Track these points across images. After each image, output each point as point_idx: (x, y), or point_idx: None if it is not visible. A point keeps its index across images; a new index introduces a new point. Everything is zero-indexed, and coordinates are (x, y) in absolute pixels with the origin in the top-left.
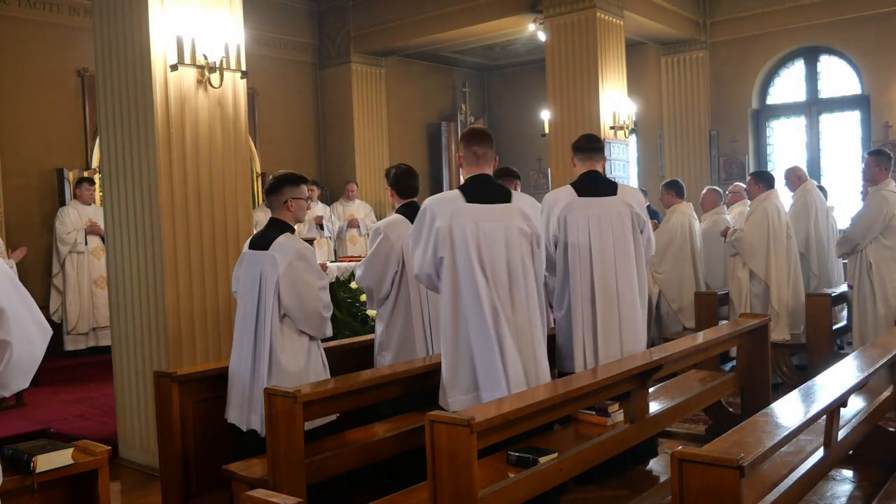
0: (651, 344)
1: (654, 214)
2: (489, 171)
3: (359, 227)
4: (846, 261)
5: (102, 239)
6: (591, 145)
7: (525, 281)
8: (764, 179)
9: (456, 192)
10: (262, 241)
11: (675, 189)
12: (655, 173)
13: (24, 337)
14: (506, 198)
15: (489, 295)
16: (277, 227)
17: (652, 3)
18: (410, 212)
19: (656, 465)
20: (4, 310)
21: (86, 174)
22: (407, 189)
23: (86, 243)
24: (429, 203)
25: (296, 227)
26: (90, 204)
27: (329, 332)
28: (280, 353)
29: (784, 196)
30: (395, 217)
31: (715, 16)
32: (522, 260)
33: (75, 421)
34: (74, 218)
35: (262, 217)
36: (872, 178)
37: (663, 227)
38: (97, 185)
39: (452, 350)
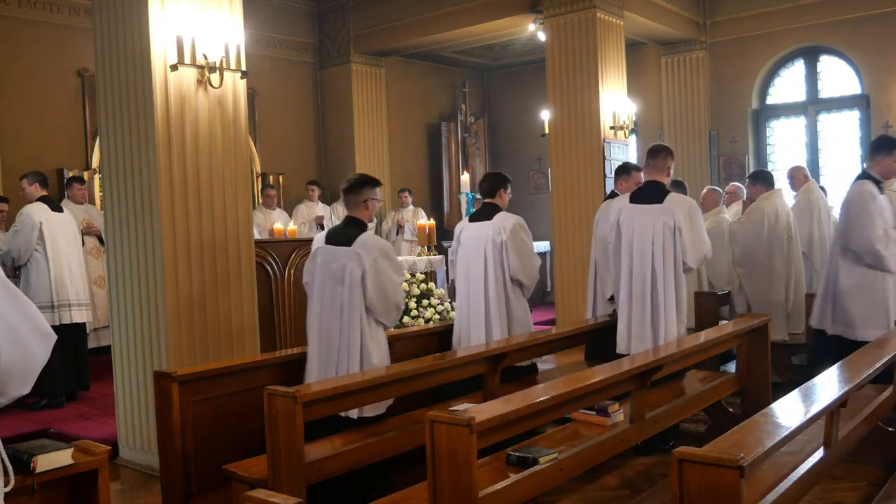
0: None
1: None
2: (657, 177)
3: None
4: None
5: (99, 238)
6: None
7: (663, 261)
8: (761, 179)
9: (628, 194)
10: (341, 238)
11: (679, 189)
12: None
13: (17, 343)
14: (659, 199)
15: (629, 271)
16: (356, 225)
17: (652, 3)
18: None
19: (656, 465)
20: None
21: (86, 174)
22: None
23: (83, 244)
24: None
25: (295, 227)
26: (82, 203)
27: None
28: (370, 344)
29: (787, 195)
30: None
31: (715, 16)
32: (664, 246)
33: (75, 421)
34: None
35: (260, 218)
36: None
37: None
38: (97, 184)
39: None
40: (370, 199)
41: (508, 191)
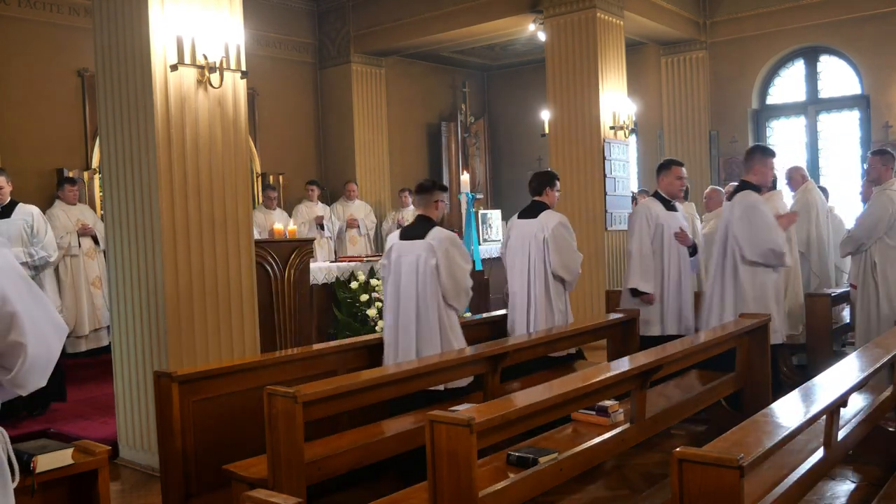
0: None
1: None
2: (746, 177)
3: (358, 227)
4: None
5: (94, 239)
6: None
7: (725, 254)
8: None
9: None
10: (415, 232)
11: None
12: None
13: (40, 338)
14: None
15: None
16: (427, 221)
17: (652, 3)
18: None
19: (656, 465)
20: (18, 312)
21: (86, 174)
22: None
23: (79, 245)
24: None
25: (295, 227)
26: (74, 204)
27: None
28: (448, 326)
29: (786, 196)
30: None
31: (715, 16)
32: (722, 240)
33: (75, 421)
34: (64, 220)
35: (260, 218)
36: (878, 177)
37: None
38: (97, 184)
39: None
40: (440, 201)
41: (556, 188)
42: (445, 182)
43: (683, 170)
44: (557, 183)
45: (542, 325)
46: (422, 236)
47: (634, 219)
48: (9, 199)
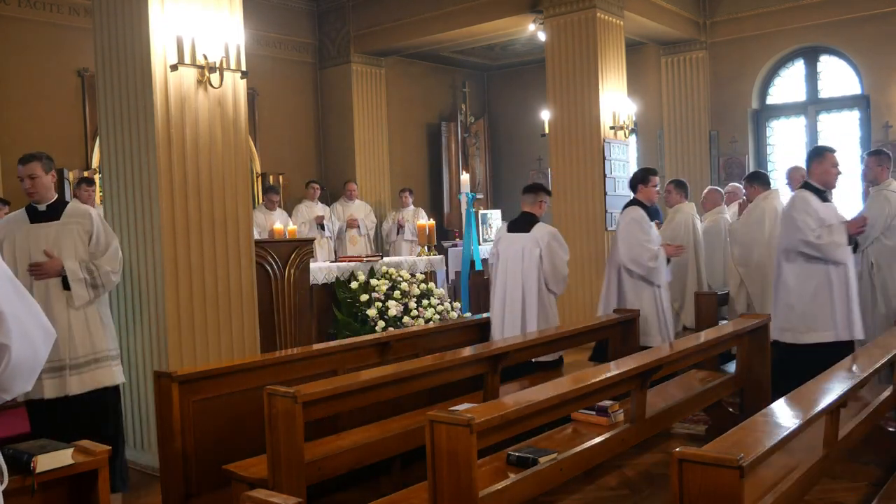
0: None
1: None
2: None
3: (358, 227)
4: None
5: None
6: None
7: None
8: (758, 180)
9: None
10: (521, 226)
11: (683, 189)
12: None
13: (26, 340)
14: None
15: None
16: (531, 217)
17: (652, 3)
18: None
19: (656, 465)
20: (3, 312)
21: (86, 174)
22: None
23: None
24: None
25: (295, 227)
26: (88, 204)
27: None
28: (547, 307)
29: (785, 196)
30: None
31: (715, 16)
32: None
33: None
34: None
35: (260, 217)
36: (874, 178)
37: (667, 227)
38: (97, 186)
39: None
40: (543, 201)
41: (650, 184)
42: (445, 182)
43: (836, 155)
44: (652, 178)
45: (603, 308)
46: (527, 230)
47: (794, 213)
48: (54, 195)
